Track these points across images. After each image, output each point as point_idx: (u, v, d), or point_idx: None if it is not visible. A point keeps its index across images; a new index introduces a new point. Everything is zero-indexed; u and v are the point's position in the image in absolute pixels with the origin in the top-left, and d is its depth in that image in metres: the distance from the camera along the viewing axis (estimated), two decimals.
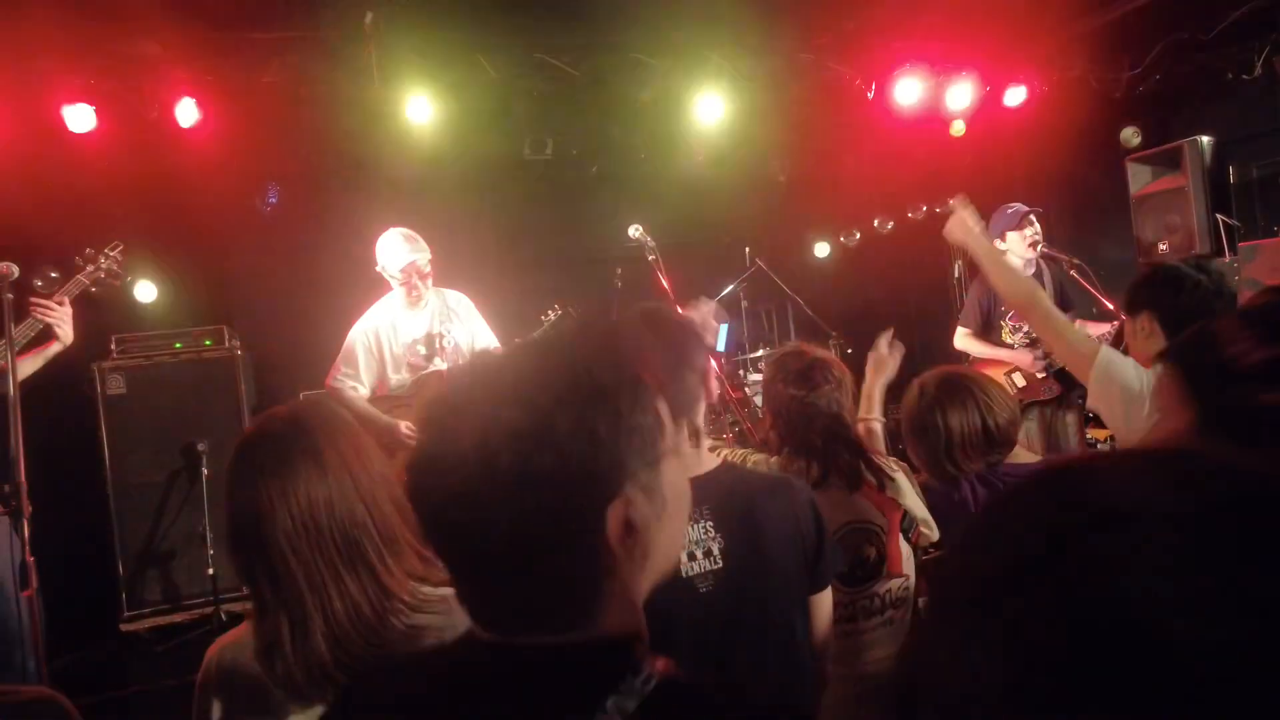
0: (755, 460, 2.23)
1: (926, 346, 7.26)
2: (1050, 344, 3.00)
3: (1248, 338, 1.08)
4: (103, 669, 4.67)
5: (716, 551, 1.63)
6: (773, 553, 1.65)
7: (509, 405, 0.78)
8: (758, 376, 6.50)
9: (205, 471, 5.12)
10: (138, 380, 5.19)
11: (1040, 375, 4.40)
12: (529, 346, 0.90)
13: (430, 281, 3.90)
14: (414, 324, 3.97)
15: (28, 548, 2.63)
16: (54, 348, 3.35)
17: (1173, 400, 1.17)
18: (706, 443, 2.07)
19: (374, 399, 3.95)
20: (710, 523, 1.64)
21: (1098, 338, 4.38)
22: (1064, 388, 4.45)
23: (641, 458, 0.82)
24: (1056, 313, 2.55)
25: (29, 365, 3.24)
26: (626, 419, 0.81)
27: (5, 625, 2.86)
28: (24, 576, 2.67)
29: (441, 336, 3.99)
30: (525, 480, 0.76)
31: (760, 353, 6.31)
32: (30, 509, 2.71)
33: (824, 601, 1.79)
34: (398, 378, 3.95)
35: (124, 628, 5.04)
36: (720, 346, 6.92)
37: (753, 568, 1.63)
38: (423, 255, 3.84)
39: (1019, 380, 4.43)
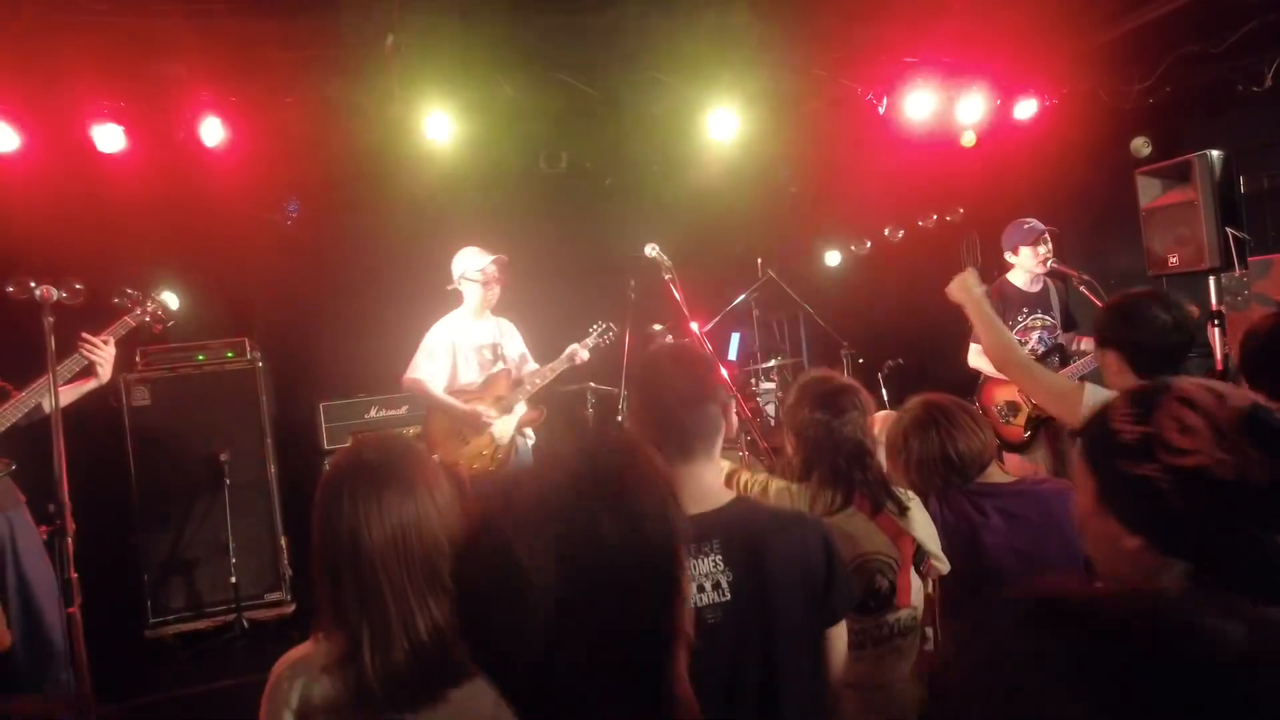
0: (777, 488, 2.28)
1: (937, 355, 7.31)
2: (1032, 393, 3.09)
3: (1128, 415, 1.18)
4: (129, 676, 4.77)
5: (725, 585, 1.70)
6: (780, 588, 1.70)
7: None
8: (769, 385, 6.57)
9: (227, 481, 5.24)
10: (162, 392, 5.30)
11: None
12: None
13: (498, 291, 4.56)
14: (480, 332, 4.64)
15: (72, 565, 2.74)
16: (91, 384, 3.47)
17: (1082, 471, 1.27)
18: (722, 468, 2.15)
19: (449, 390, 4.56)
20: (720, 556, 1.71)
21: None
22: None
23: None
24: (1033, 363, 2.75)
25: (65, 397, 3.34)
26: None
27: (49, 640, 2.96)
28: (68, 593, 2.76)
29: (500, 346, 4.67)
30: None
31: (772, 363, 6.37)
32: (74, 527, 2.81)
33: (839, 635, 1.83)
34: (468, 375, 4.59)
35: (149, 634, 5.16)
36: (731, 355, 7.00)
37: (760, 602, 1.69)
38: (498, 256, 4.50)
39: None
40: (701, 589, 1.68)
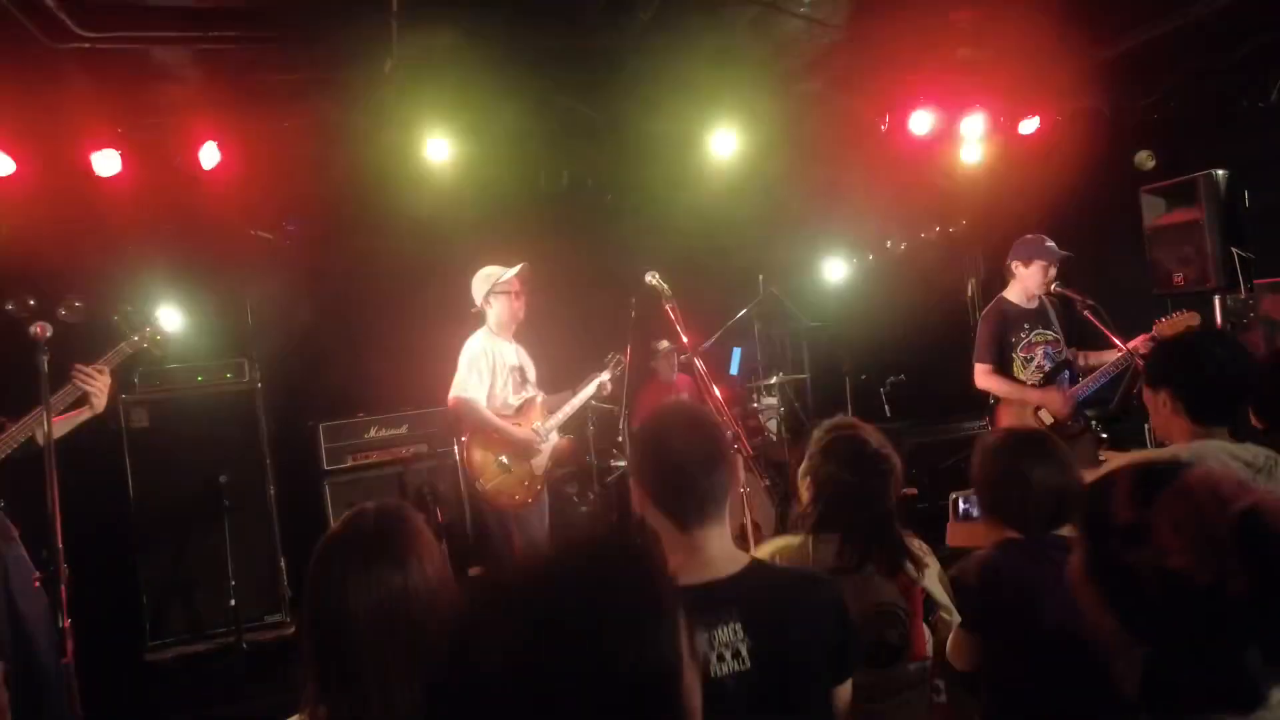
0: (790, 544, 2.24)
1: (938, 371, 7.30)
2: None
3: (1128, 497, 1.17)
4: (128, 699, 4.73)
5: (744, 653, 1.67)
6: (798, 653, 1.69)
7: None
8: (771, 400, 6.54)
9: (227, 503, 5.20)
10: (160, 413, 5.26)
11: (1066, 414, 4.41)
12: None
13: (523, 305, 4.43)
14: (510, 353, 4.46)
15: (65, 613, 2.69)
16: (85, 415, 3.39)
17: (1075, 538, 1.27)
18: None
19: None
20: (739, 624, 1.68)
21: (1113, 363, 4.45)
22: (1087, 421, 4.45)
23: None
24: None
25: (59, 429, 3.25)
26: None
27: (46, 696, 2.90)
28: (62, 644, 2.72)
29: (524, 370, 4.50)
30: None
31: (774, 379, 6.34)
32: (67, 572, 2.76)
33: (844, 691, 1.82)
34: (505, 397, 4.40)
35: (148, 657, 5.12)
36: (733, 370, 6.97)
37: (779, 669, 1.67)
38: (521, 265, 4.38)
39: (1046, 417, 4.44)
40: (721, 658, 1.66)
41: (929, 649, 2.18)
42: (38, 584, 2.98)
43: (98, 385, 3.35)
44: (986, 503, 2.22)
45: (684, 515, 1.73)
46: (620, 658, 0.87)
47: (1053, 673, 1.94)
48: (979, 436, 2.47)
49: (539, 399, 4.56)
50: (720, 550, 1.76)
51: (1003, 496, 2.15)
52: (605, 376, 4.65)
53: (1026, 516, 2.10)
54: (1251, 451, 2.23)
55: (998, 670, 2.15)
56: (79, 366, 3.34)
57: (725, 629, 1.67)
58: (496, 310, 4.40)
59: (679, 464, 1.74)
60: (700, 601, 1.67)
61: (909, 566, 2.15)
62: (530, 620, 0.87)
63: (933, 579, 2.19)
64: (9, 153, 4.08)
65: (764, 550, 2.29)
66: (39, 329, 3.09)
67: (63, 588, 2.72)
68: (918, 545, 2.26)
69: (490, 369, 4.33)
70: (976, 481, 2.25)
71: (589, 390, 4.65)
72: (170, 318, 4.70)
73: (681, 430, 1.77)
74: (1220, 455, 2.16)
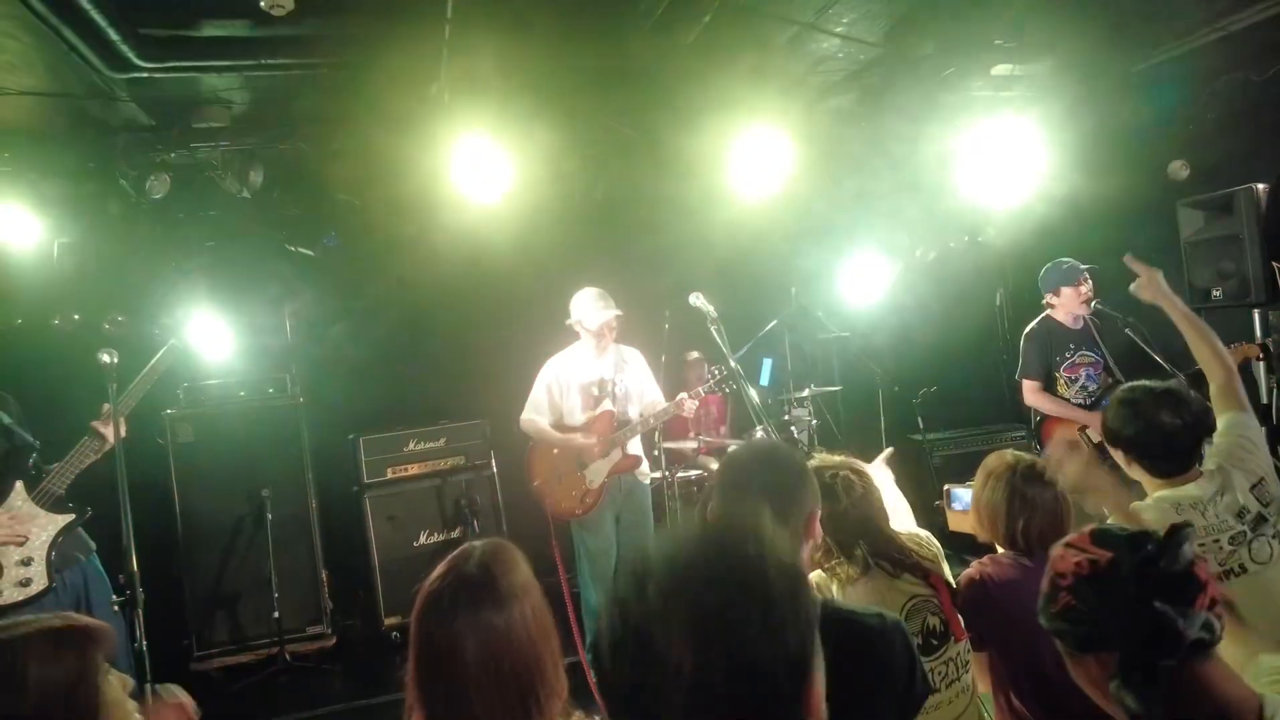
0: (820, 580, 2.31)
1: (970, 381, 7.29)
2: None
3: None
4: None
5: None
6: (870, 696, 1.72)
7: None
8: (801, 412, 6.55)
9: (269, 516, 5.30)
10: (205, 428, 5.37)
11: None
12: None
13: (615, 335, 4.69)
14: (593, 369, 4.75)
15: (143, 636, 2.76)
16: (91, 458, 3.60)
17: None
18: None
19: (555, 424, 4.76)
20: None
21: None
22: None
23: None
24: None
25: (73, 469, 3.58)
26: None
27: None
28: (140, 666, 2.80)
29: (614, 383, 4.75)
30: None
31: (806, 392, 6.35)
32: (143, 596, 2.83)
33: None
34: (573, 413, 4.75)
35: (194, 667, 5.22)
36: (763, 381, 6.99)
37: (852, 713, 1.70)
38: (615, 313, 4.60)
39: (1094, 435, 4.44)
40: None
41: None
42: (115, 609, 3.08)
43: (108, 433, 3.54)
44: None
45: None
46: (762, 648, 0.89)
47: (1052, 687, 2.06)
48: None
49: (615, 413, 4.72)
50: None
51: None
52: (685, 397, 4.68)
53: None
54: (1201, 489, 2.39)
55: (1003, 684, 2.35)
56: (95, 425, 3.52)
57: None
58: (582, 335, 4.73)
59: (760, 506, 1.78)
60: None
61: (913, 558, 2.28)
62: (679, 615, 0.89)
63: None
64: (68, 178, 4.18)
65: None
66: (108, 356, 3.20)
67: (138, 610, 2.79)
68: (909, 537, 2.39)
69: (545, 390, 4.74)
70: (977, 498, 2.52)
71: (665, 409, 4.72)
72: (202, 330, 4.81)
73: (761, 476, 1.84)
74: (1167, 512, 2.34)
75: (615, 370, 4.75)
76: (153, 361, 3.79)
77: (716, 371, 4.59)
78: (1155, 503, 2.41)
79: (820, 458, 2.41)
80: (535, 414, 4.75)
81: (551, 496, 4.70)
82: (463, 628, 1.54)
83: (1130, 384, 2.58)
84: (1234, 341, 4.32)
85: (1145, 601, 1.26)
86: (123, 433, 3.51)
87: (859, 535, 2.26)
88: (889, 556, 2.26)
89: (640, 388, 4.87)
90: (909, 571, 2.26)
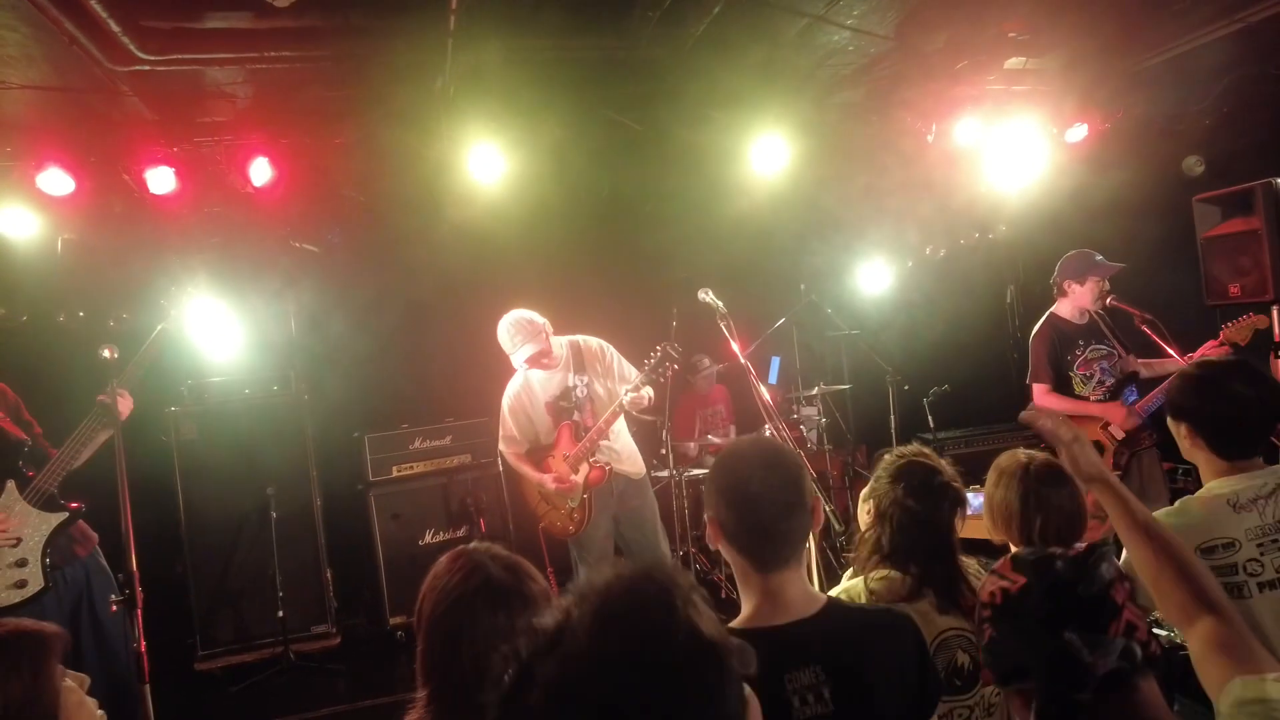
0: (855, 587, 2.23)
1: (981, 380, 7.21)
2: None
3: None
4: (181, 708, 4.80)
5: (827, 695, 1.65)
6: (880, 694, 1.67)
7: None
8: (810, 410, 6.49)
9: (274, 514, 5.26)
10: (209, 425, 5.34)
11: (1131, 426, 4.34)
12: None
13: (553, 349, 4.43)
14: (553, 381, 4.55)
15: (142, 638, 2.73)
16: (104, 436, 3.51)
17: None
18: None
19: (533, 449, 4.63)
20: (820, 666, 1.66)
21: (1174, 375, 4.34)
22: (1159, 433, 4.36)
23: None
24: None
25: (85, 453, 3.49)
26: None
27: (123, 705, 2.95)
28: (139, 668, 2.76)
29: (575, 388, 4.53)
30: None
31: (815, 390, 6.29)
32: (142, 596, 2.80)
33: None
34: (546, 432, 4.60)
35: (199, 667, 5.19)
36: (772, 379, 6.93)
37: (861, 711, 1.66)
38: (535, 345, 4.31)
39: (1117, 433, 4.37)
40: (804, 700, 1.64)
41: None
42: (114, 608, 3.04)
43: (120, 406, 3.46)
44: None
45: (762, 558, 1.71)
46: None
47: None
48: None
49: (576, 423, 4.49)
50: (799, 592, 1.73)
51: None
52: (628, 392, 4.31)
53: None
54: (1260, 479, 2.21)
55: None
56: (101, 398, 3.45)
57: (806, 671, 1.65)
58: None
59: (757, 506, 1.70)
60: (780, 644, 1.65)
61: (967, 593, 2.14)
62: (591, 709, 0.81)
63: None
64: (70, 172, 4.15)
65: (834, 591, 2.28)
66: (109, 351, 3.16)
67: (138, 611, 2.76)
68: (974, 569, 2.25)
69: (512, 414, 4.59)
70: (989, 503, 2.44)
71: (609, 413, 4.40)
72: (200, 315, 4.73)
73: (761, 470, 1.73)
74: (1220, 511, 2.19)
75: (574, 374, 4.52)
76: (144, 346, 3.74)
77: (655, 353, 4.24)
78: (1210, 499, 2.22)
79: (921, 454, 2.28)
80: (506, 445, 4.62)
81: (547, 519, 4.66)
82: (498, 620, 1.59)
83: (1201, 358, 2.42)
84: (1237, 318, 4.23)
85: (1054, 631, 1.19)
86: (130, 404, 3.44)
87: (919, 553, 2.14)
88: (945, 591, 2.13)
89: (607, 385, 4.53)
90: (957, 609, 2.13)
